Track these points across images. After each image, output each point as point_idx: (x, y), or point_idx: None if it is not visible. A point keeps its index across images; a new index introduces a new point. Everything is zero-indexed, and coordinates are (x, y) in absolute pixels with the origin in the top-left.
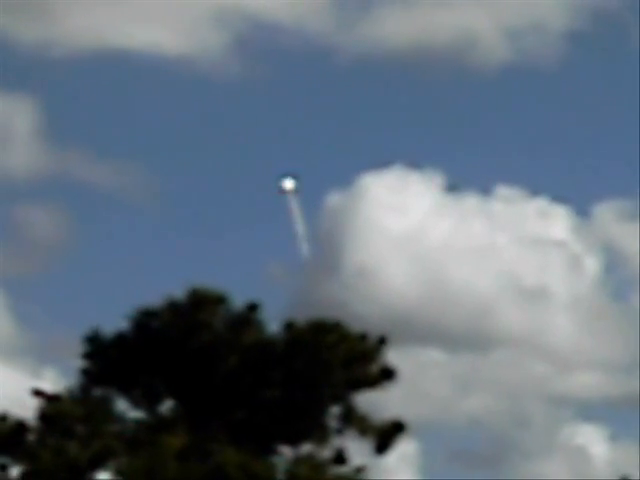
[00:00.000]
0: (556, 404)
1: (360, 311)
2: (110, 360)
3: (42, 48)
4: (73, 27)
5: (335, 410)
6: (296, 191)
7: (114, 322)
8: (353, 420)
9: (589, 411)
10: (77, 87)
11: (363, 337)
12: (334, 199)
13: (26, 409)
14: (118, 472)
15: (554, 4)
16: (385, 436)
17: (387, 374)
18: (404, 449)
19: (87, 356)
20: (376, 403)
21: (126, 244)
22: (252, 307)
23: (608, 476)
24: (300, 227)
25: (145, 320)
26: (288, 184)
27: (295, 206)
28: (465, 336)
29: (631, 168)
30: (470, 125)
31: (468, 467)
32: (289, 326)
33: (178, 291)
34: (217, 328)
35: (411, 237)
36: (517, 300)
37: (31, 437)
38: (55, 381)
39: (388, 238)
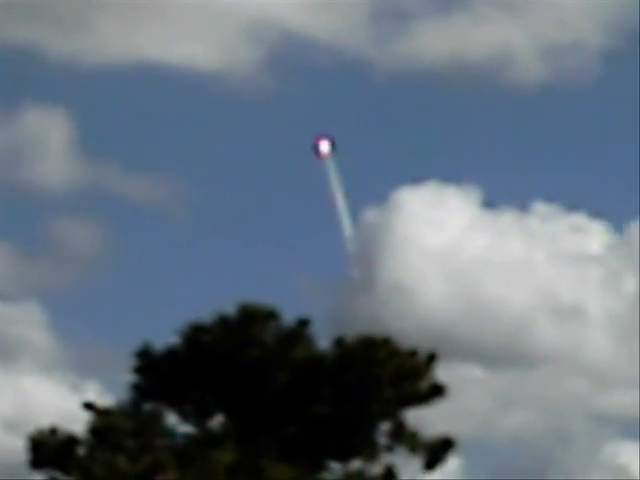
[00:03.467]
0: (597, 421)
1: (396, 327)
2: (160, 375)
3: (75, 60)
4: (106, 39)
5: (385, 426)
6: (332, 154)
7: (155, 335)
8: (403, 437)
9: (630, 428)
10: (110, 99)
11: (413, 353)
12: (370, 215)
13: (69, 422)
14: None
15: (592, 23)
16: (435, 453)
17: (437, 390)
18: (448, 465)
19: (137, 370)
20: (418, 419)
21: (161, 255)
22: (302, 323)
23: None
24: (350, 242)
25: (196, 335)
26: (324, 145)
27: (336, 184)
28: (503, 352)
29: None
30: (507, 141)
31: (501, 477)
32: (339, 342)
33: (226, 304)
34: (267, 343)
35: (447, 253)
36: (554, 317)
37: (81, 451)
38: (98, 395)
39: (424, 254)
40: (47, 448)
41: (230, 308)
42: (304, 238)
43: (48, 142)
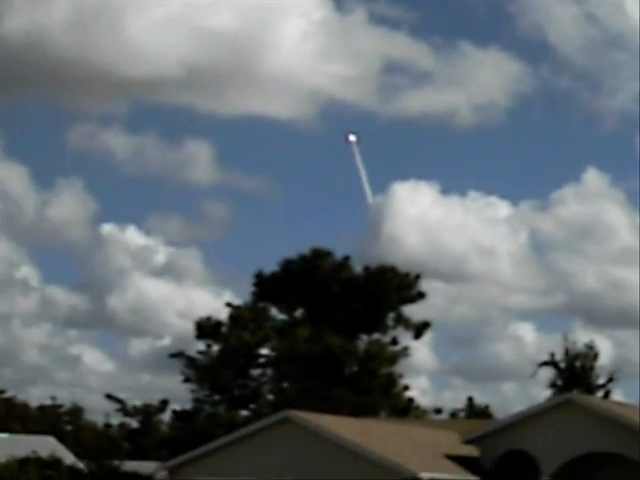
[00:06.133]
0: (504, 311)
1: (395, 260)
2: (268, 287)
3: (213, 113)
4: (231, 100)
5: (391, 315)
6: (358, 142)
7: (265, 265)
8: (401, 321)
9: (524, 314)
10: (234, 134)
11: (407, 274)
12: (379, 198)
13: (217, 313)
14: (272, 349)
15: (501, 87)
16: (419, 329)
17: (420, 295)
18: (425, 336)
19: (255, 284)
20: (410, 311)
21: (266, 221)
22: (346, 258)
23: (534, 352)
24: (370, 209)
25: (288, 265)
26: (352, 137)
27: (360, 162)
28: (453, 273)
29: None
30: (454, 158)
31: (453, 344)
32: (366, 269)
33: (304, 248)
34: (327, 269)
35: (421, 218)
36: (481, 253)
37: (224, 329)
38: (233, 298)
39: (408, 219)
40: (205, 328)
41: (306, 250)
42: (347, 207)
43: (200, 158)
